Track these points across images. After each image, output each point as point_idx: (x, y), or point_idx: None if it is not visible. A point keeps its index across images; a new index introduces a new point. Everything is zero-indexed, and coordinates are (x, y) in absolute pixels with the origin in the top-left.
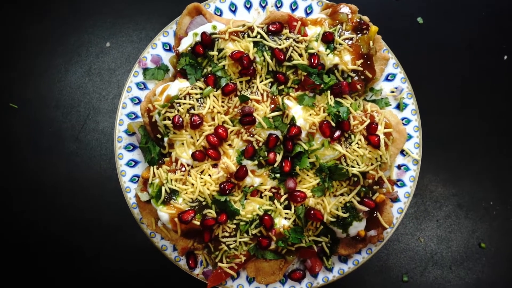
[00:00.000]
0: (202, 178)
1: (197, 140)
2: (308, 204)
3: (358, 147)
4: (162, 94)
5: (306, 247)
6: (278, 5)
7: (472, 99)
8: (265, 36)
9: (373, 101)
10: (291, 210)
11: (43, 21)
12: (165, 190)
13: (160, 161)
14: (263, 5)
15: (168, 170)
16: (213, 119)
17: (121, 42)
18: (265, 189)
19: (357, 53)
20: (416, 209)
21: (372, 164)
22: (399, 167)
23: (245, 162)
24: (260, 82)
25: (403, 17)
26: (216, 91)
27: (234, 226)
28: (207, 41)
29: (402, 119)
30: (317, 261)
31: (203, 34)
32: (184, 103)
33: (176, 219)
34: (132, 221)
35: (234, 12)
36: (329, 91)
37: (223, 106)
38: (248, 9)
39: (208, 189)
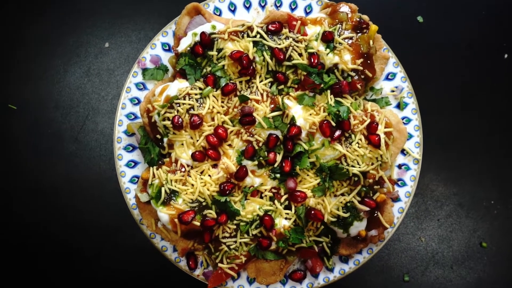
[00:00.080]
0: (202, 179)
1: (197, 140)
2: (308, 204)
3: (358, 147)
4: (162, 94)
5: (307, 247)
6: (278, 5)
7: (473, 98)
8: (265, 35)
9: (373, 100)
10: (291, 210)
11: (41, 22)
12: (165, 191)
13: (160, 162)
14: (263, 4)
15: (168, 171)
16: (212, 119)
17: (120, 42)
18: (265, 189)
19: (357, 52)
20: (417, 208)
21: (372, 164)
22: (399, 166)
23: (245, 162)
24: (260, 82)
25: (403, 16)
26: (216, 91)
27: (235, 227)
28: (207, 41)
29: (403, 118)
30: (318, 261)
31: (203, 34)
32: (183, 104)
33: (176, 220)
34: (132, 222)
35: (233, 11)
36: (329, 91)
37: (222, 106)
38: (248, 8)
39: (208, 189)
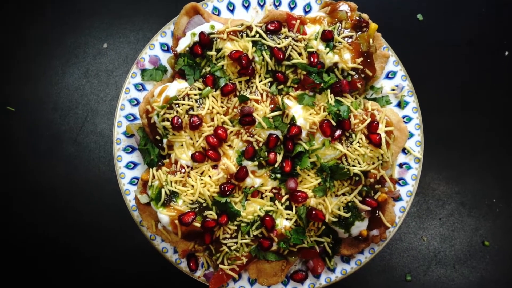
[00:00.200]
0: (202, 180)
1: (197, 141)
2: (309, 204)
3: (359, 146)
4: (161, 95)
5: (308, 247)
6: (277, 4)
7: (473, 96)
8: (264, 35)
9: (374, 99)
10: (292, 211)
11: (39, 23)
12: (165, 192)
13: (160, 163)
14: (261, 4)
15: (167, 172)
16: (212, 119)
17: (118, 43)
18: (266, 190)
19: (357, 51)
20: (418, 207)
21: (373, 163)
22: (400, 165)
23: (245, 162)
24: (260, 81)
25: (403, 14)
26: (215, 91)
27: (235, 228)
28: (205, 41)
29: (403, 117)
30: (319, 262)
31: (201, 34)
32: (183, 104)
33: (176, 221)
34: (132, 223)
35: (232, 11)
36: (329, 90)
37: (222, 107)
38: (246, 8)
39: (208, 190)
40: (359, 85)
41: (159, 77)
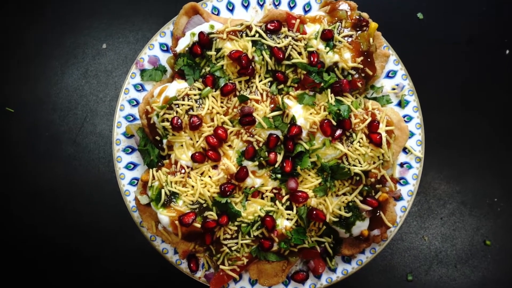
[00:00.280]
0: (202, 180)
1: (197, 141)
2: (310, 204)
3: (359, 146)
4: (160, 95)
5: (309, 248)
6: (276, 3)
7: (474, 94)
8: (264, 34)
9: (374, 98)
10: (293, 211)
11: (38, 23)
12: (165, 193)
13: (160, 164)
14: (261, 3)
15: (167, 173)
16: (212, 120)
17: (117, 43)
18: (266, 190)
19: (357, 50)
20: (419, 207)
21: (374, 163)
22: (401, 165)
23: (246, 163)
24: (259, 81)
25: (403, 13)
26: (215, 91)
27: (236, 228)
28: (205, 41)
29: (404, 117)
30: (320, 262)
31: (201, 34)
32: (182, 104)
33: (176, 222)
34: (132, 224)
35: (231, 11)
36: (329, 90)
37: (222, 107)
38: (246, 7)
39: (209, 191)
40: (359, 84)
41: (158, 77)
